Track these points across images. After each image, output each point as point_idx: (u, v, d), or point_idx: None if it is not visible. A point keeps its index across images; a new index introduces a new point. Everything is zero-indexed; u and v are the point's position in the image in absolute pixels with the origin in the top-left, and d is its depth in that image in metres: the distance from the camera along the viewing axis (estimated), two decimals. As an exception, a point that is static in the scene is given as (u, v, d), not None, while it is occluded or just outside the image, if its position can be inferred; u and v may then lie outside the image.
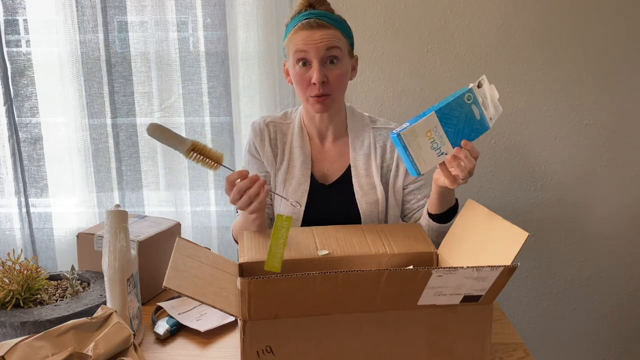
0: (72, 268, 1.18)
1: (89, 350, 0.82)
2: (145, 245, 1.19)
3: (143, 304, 1.13)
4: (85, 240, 1.25)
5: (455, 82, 1.82)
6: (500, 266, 0.81)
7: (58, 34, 1.72)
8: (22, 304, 1.06)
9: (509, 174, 1.90)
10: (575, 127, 1.86)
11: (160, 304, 1.17)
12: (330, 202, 1.32)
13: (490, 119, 1.03)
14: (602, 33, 1.79)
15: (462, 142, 1.01)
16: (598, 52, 1.80)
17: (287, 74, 1.31)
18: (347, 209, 1.32)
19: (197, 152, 1.09)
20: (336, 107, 1.31)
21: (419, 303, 0.85)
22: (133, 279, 1.02)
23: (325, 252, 1.06)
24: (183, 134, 1.81)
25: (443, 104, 0.99)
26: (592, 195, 1.92)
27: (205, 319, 1.10)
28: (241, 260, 1.04)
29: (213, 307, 0.83)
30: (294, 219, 1.30)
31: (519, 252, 0.86)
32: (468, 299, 0.85)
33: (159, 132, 1.08)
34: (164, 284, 0.82)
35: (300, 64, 1.23)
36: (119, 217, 0.99)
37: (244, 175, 1.10)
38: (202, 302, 0.83)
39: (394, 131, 1.00)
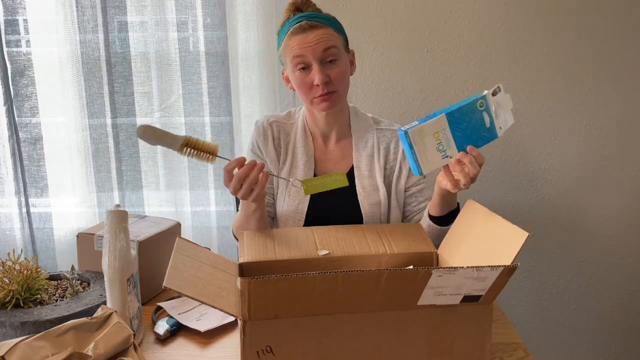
0: (72, 268, 1.18)
1: (89, 350, 0.82)
2: (145, 245, 1.19)
3: (143, 304, 1.13)
4: (85, 240, 1.25)
5: (455, 82, 1.82)
6: (500, 266, 0.81)
7: (58, 34, 1.72)
8: (22, 304, 1.06)
9: (509, 174, 1.90)
10: (575, 127, 1.86)
11: (160, 304, 1.17)
12: (333, 203, 1.31)
13: (500, 128, 1.02)
14: (602, 33, 1.79)
15: (468, 148, 1.00)
16: (598, 52, 1.80)
17: (287, 80, 1.30)
18: (349, 210, 1.32)
19: (191, 146, 1.08)
20: (341, 105, 1.31)
21: (419, 303, 0.85)
22: (133, 279, 1.01)
23: (325, 252, 1.06)
24: (183, 133, 1.81)
25: (455, 107, 0.99)
26: (592, 195, 1.92)
27: (205, 319, 1.10)
28: (241, 260, 1.04)
29: (213, 307, 0.83)
30: (295, 219, 1.31)
31: (519, 252, 0.86)
32: (468, 299, 0.85)
33: (150, 133, 1.07)
34: (164, 284, 0.82)
35: (300, 69, 1.23)
36: (119, 217, 0.99)
37: (241, 162, 1.10)
38: (202, 302, 0.83)
39: (402, 128, 0.99)
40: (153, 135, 1.08)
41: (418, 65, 1.81)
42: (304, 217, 1.30)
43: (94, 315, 0.90)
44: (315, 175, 1.33)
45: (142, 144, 1.83)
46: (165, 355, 1.01)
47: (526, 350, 1.01)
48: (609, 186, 1.91)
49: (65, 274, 1.17)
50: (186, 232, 1.83)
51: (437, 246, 1.10)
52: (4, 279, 1.07)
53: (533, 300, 2.01)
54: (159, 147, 1.83)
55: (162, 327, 1.06)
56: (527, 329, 2.03)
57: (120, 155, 1.84)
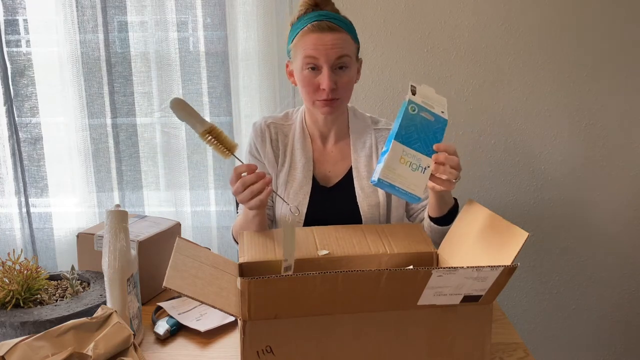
0: (72, 268, 1.18)
1: (89, 350, 0.82)
2: (145, 245, 1.19)
3: (143, 304, 1.13)
4: (85, 240, 1.25)
5: (455, 82, 1.82)
6: (500, 266, 0.81)
7: (58, 34, 1.72)
8: (22, 304, 1.06)
9: (509, 174, 1.90)
10: (575, 127, 1.86)
11: (160, 304, 1.17)
12: (332, 204, 1.31)
13: (442, 112, 1.03)
14: (602, 33, 1.79)
15: (434, 147, 1.02)
16: (598, 52, 1.80)
17: (291, 74, 1.30)
18: (348, 211, 1.31)
19: (213, 136, 1.09)
20: (341, 109, 1.31)
21: (419, 303, 0.85)
22: (133, 279, 1.01)
23: (325, 252, 1.06)
24: (183, 133, 1.82)
25: (397, 128, 1.00)
26: (592, 195, 1.92)
27: (205, 319, 1.10)
28: (241, 260, 1.04)
29: (213, 307, 0.82)
30: (295, 221, 1.31)
31: (519, 252, 0.86)
32: (468, 299, 0.85)
33: (181, 107, 1.08)
34: (164, 284, 0.82)
35: (309, 68, 1.22)
36: (119, 217, 0.99)
37: (252, 169, 1.10)
38: (202, 302, 0.83)
39: (373, 179, 1.01)
40: (183, 110, 1.08)
41: (418, 65, 1.81)
42: (303, 218, 1.30)
43: (94, 315, 0.90)
44: (314, 177, 1.33)
45: (142, 144, 1.83)
46: (165, 355, 1.01)
47: (526, 350, 1.01)
48: (609, 186, 1.91)
49: (65, 274, 1.17)
50: (186, 232, 1.83)
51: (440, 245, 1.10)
52: (4, 279, 1.07)
53: (533, 300, 2.01)
54: (158, 147, 1.83)
55: (162, 327, 1.06)
56: (527, 329, 2.03)
57: (120, 155, 1.84)
